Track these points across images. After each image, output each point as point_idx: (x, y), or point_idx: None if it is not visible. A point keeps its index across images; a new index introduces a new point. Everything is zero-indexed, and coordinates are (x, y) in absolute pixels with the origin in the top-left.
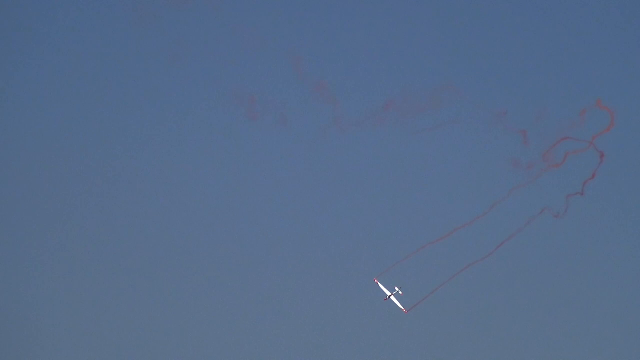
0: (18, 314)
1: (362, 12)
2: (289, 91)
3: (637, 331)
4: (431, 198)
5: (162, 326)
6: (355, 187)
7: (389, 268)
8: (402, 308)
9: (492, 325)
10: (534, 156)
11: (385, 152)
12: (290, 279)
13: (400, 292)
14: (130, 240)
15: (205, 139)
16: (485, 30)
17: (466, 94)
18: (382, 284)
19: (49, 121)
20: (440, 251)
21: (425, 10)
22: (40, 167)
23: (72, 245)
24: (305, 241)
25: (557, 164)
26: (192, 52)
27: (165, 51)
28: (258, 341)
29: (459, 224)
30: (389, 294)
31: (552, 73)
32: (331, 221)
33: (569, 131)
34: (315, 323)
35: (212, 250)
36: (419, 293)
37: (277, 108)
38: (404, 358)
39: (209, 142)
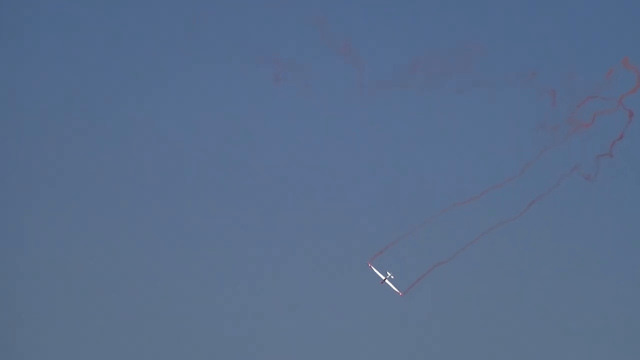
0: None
1: None
2: (313, 53)
3: None
4: (459, 161)
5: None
6: (381, 150)
7: (405, 235)
8: (398, 291)
9: (516, 290)
10: (562, 117)
11: (412, 115)
12: (308, 242)
13: (392, 277)
14: (149, 203)
15: (229, 102)
16: None
17: (494, 55)
18: (376, 269)
19: (61, 77)
20: (468, 213)
21: None
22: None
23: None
24: (327, 206)
25: (587, 124)
26: (214, 14)
27: (187, 13)
28: (256, 322)
29: (488, 187)
30: (383, 277)
31: (579, 32)
32: (356, 184)
33: (596, 92)
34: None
35: (227, 213)
36: (440, 256)
37: (301, 71)
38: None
39: (232, 105)
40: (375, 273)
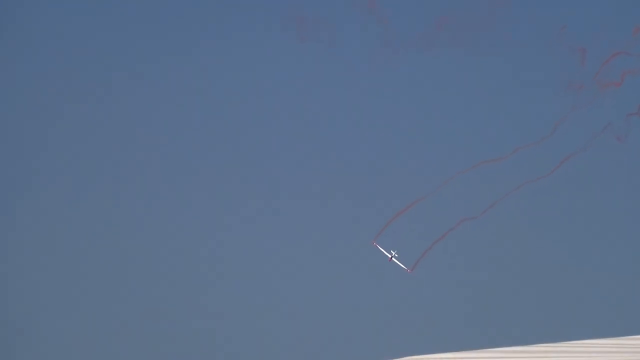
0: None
1: None
2: (338, 11)
3: None
4: (485, 120)
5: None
6: (408, 110)
7: (431, 194)
8: (405, 268)
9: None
10: (589, 76)
11: (438, 74)
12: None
13: (397, 255)
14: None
15: (253, 62)
16: None
17: (521, 10)
18: (382, 248)
19: (74, 41)
20: (496, 172)
21: None
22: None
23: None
24: (351, 165)
25: (617, 82)
26: None
27: None
28: (260, 301)
29: (516, 147)
30: (389, 255)
31: None
32: (383, 144)
33: (624, 49)
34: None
35: (252, 168)
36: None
37: (326, 29)
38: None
39: (257, 65)
40: (381, 252)
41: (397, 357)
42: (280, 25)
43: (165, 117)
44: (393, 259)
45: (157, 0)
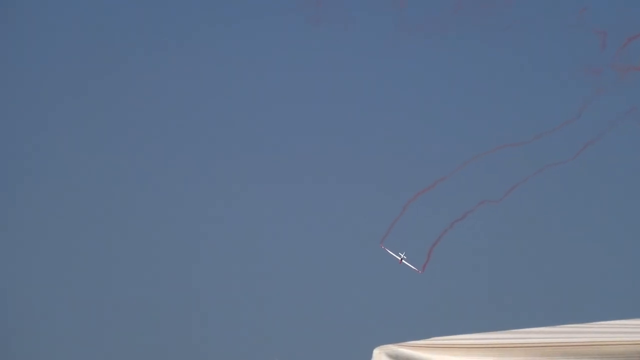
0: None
1: None
2: None
3: None
4: (506, 105)
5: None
6: (423, 95)
7: (453, 173)
8: (416, 269)
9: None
10: (611, 60)
11: (454, 58)
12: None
13: (405, 257)
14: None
15: (266, 43)
16: None
17: None
18: (390, 250)
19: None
20: (516, 155)
21: None
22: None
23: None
24: (362, 153)
25: (637, 67)
26: None
27: None
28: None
29: (538, 132)
30: (398, 258)
31: None
32: (396, 132)
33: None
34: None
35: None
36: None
37: (341, 11)
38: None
39: (270, 46)
40: (390, 255)
41: (420, 339)
42: (294, 4)
43: (168, 116)
44: (403, 261)
45: None
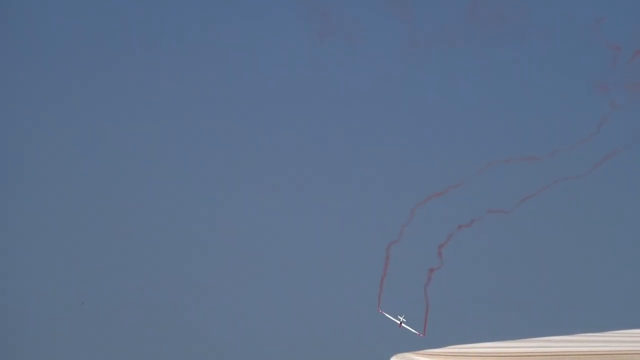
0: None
1: None
2: (362, 5)
3: None
4: (517, 119)
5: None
6: (432, 105)
7: (458, 185)
8: (417, 332)
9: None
10: (624, 75)
11: (465, 71)
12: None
13: (404, 320)
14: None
15: (273, 57)
16: None
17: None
18: (388, 314)
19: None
20: (531, 166)
21: None
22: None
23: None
24: (369, 168)
25: None
26: None
27: None
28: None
29: (555, 148)
30: (398, 322)
31: None
32: (407, 142)
33: None
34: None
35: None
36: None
37: (348, 25)
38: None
39: (277, 60)
40: (389, 319)
41: (435, 347)
42: (300, 21)
43: (168, 115)
44: (402, 324)
45: None
